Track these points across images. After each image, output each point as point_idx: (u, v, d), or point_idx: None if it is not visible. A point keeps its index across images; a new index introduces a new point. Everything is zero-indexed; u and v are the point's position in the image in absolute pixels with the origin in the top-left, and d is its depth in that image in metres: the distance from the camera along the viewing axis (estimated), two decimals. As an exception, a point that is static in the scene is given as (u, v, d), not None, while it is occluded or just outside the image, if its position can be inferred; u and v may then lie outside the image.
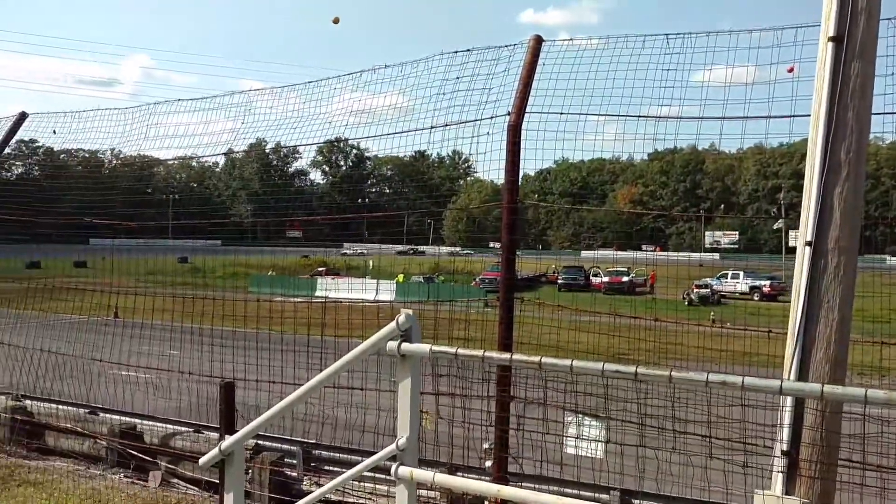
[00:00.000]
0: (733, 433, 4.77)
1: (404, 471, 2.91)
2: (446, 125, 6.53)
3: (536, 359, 2.64)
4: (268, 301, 9.29)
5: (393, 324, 2.89)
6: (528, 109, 6.20)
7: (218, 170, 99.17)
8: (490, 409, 5.96)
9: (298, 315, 10.65)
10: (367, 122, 8.18)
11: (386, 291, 24.94)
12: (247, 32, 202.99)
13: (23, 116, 9.72)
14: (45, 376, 8.96)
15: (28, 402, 9.55)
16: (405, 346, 2.87)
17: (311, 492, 7.15)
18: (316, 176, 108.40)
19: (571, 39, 6.65)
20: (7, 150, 10.21)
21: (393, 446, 2.96)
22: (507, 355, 2.77)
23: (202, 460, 3.27)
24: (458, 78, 6.52)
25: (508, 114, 6.11)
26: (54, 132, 9.89)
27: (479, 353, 2.78)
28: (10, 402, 9.33)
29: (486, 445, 6.19)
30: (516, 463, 6.04)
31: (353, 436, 7.53)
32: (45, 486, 7.27)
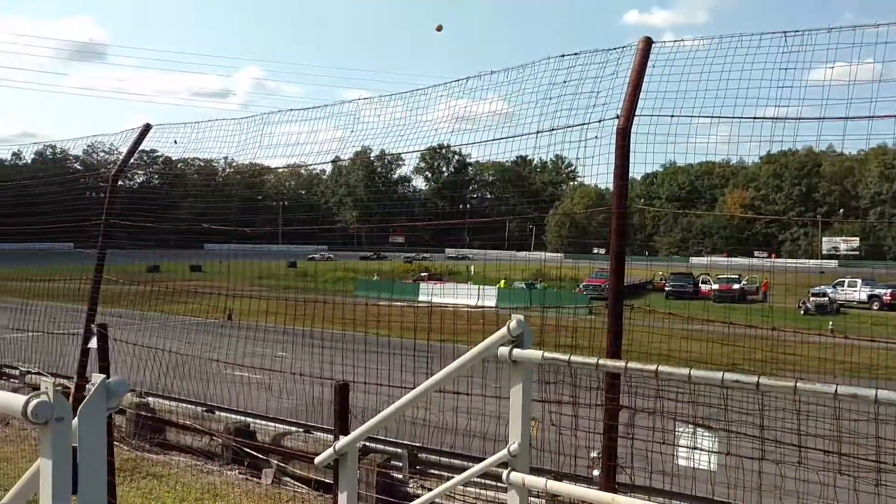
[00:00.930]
0: (861, 449, 4.51)
1: (516, 477, 2.89)
2: (553, 129, 6.48)
3: (653, 367, 2.57)
4: (375, 305, 9.45)
5: (504, 329, 2.88)
6: (637, 112, 6.09)
7: (325, 177, 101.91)
8: (598, 417, 5.86)
9: (403, 319, 10.80)
10: (469, 128, 8.24)
11: (487, 297, 24.92)
12: (355, 43, 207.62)
13: (147, 128, 10.21)
14: (165, 374, 9.40)
15: (150, 398, 10.05)
16: (517, 352, 2.85)
17: (418, 494, 7.23)
18: (419, 182, 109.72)
19: (682, 40, 6.48)
20: (131, 160, 10.80)
21: (504, 452, 2.94)
22: (621, 363, 2.70)
23: (318, 459, 3.35)
24: (565, 82, 6.46)
25: (617, 117, 6.01)
26: (175, 142, 10.37)
27: (593, 360, 2.73)
28: (134, 399, 9.86)
29: (593, 454, 6.09)
30: (625, 473, 5.91)
31: (458, 440, 7.56)
32: (167, 479, 7.65)
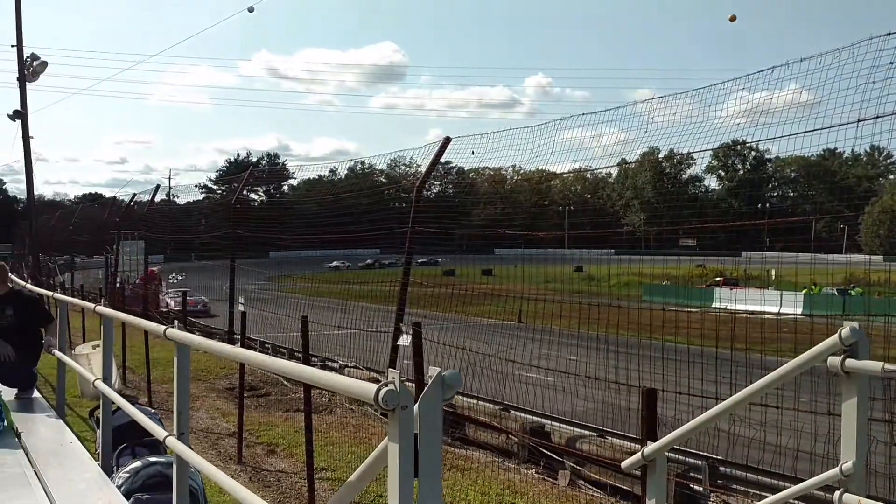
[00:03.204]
0: None
1: (850, 499, 2.61)
2: (878, 117, 5.81)
3: None
4: (672, 310, 9.16)
5: (834, 338, 2.62)
6: None
7: (611, 180, 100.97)
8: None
9: (702, 327, 10.36)
10: (767, 122, 7.74)
11: (791, 303, 22.95)
12: (640, 42, 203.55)
13: (447, 141, 10.86)
14: (463, 372, 9.88)
15: (451, 395, 10.63)
16: (851, 362, 2.57)
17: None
18: (711, 182, 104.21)
19: None
20: (433, 172, 11.57)
21: (835, 471, 2.68)
22: None
23: (625, 464, 3.32)
24: (892, 63, 5.77)
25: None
26: (473, 153, 10.93)
27: (950, 374, 2.38)
28: (438, 394, 10.49)
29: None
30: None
31: (760, 455, 7.09)
32: (469, 473, 8.05)
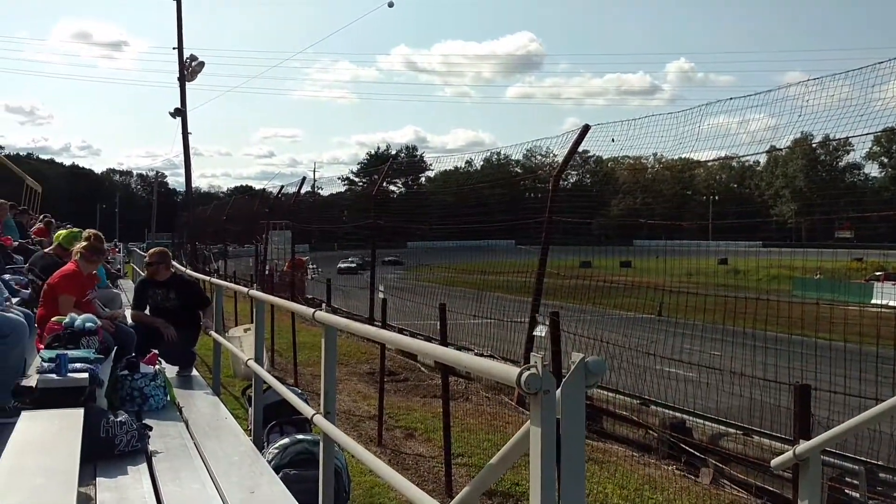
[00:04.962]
0: None
1: None
2: None
3: None
4: (826, 307, 8.64)
5: None
6: None
7: (759, 168, 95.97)
8: None
9: (851, 323, 9.70)
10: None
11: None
12: (790, 20, 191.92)
13: (586, 129, 10.66)
14: (601, 365, 9.65)
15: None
16: None
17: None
18: (872, 169, 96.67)
19: None
20: (570, 161, 11.40)
21: None
22: None
23: (775, 462, 3.16)
24: None
25: None
26: (612, 140, 10.70)
27: None
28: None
29: None
30: None
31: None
32: (606, 466, 7.93)
